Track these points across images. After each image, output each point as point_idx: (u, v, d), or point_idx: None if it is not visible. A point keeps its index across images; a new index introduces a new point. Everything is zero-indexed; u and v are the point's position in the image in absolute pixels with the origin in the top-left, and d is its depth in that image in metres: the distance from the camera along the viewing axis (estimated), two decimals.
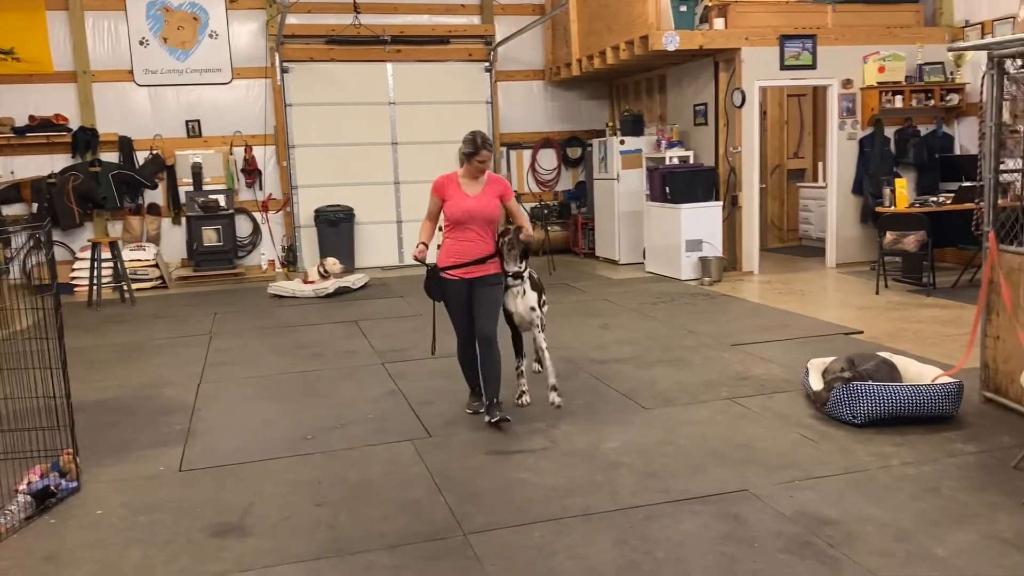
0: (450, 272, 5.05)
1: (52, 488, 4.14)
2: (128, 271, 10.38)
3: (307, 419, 5.38)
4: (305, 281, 10.40)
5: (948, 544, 3.43)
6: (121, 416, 5.58)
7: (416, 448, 4.76)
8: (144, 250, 11.28)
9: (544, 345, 5.32)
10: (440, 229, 5.28)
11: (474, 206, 4.99)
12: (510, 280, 5.23)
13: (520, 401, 5.40)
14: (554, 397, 5.27)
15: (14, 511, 3.89)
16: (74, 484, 4.30)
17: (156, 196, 11.82)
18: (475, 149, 4.95)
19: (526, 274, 5.26)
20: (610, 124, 12.39)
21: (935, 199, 9.40)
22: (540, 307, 5.40)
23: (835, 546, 3.44)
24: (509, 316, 5.34)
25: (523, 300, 5.27)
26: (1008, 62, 4.90)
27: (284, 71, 12.03)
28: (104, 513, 4.04)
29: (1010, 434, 4.60)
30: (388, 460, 4.60)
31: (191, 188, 11.75)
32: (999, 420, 4.86)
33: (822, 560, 3.33)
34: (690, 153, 10.89)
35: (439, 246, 5.29)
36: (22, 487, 4.07)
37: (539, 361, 5.62)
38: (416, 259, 4.95)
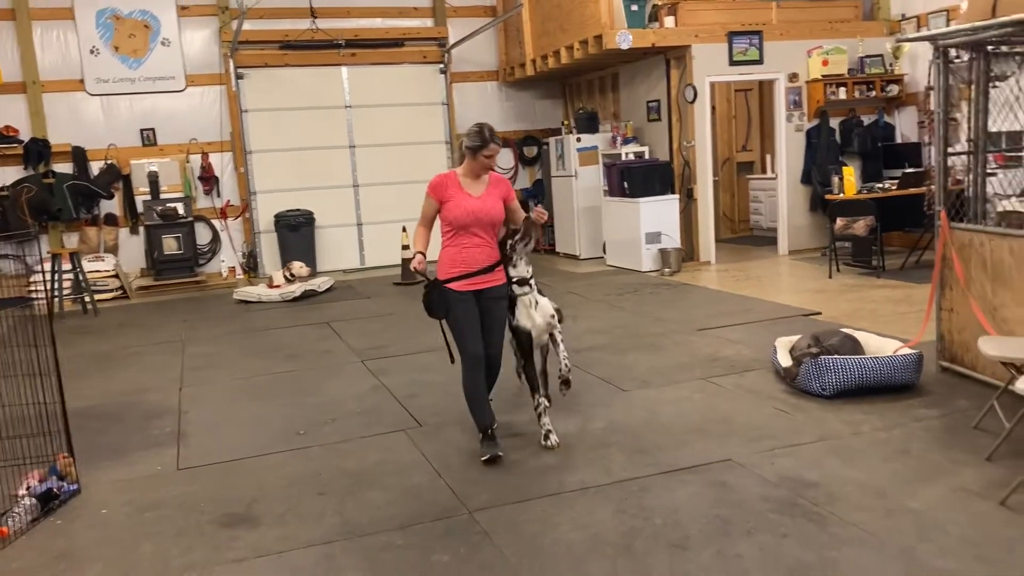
0: (455, 284, 4.43)
1: (55, 491, 4.18)
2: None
3: (296, 416, 5.47)
4: (271, 286, 10.41)
5: (921, 498, 3.70)
6: (108, 422, 5.60)
7: (410, 437, 4.90)
8: (103, 260, 11.15)
9: (560, 337, 4.67)
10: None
11: (479, 207, 4.42)
12: (516, 288, 4.53)
13: (548, 443, 4.55)
14: (564, 377, 4.63)
15: (20, 514, 3.93)
16: (75, 487, 4.34)
17: (112, 206, 11.69)
18: (483, 142, 4.38)
19: (533, 280, 4.62)
20: (565, 122, 12.63)
21: (881, 185, 9.82)
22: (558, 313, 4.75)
23: (819, 505, 3.68)
24: (525, 335, 4.56)
25: (539, 311, 4.57)
26: (951, 51, 5.23)
27: (239, 77, 12.01)
28: (109, 512, 4.10)
29: (967, 398, 4.93)
30: (384, 449, 4.73)
31: (148, 197, 11.65)
32: (956, 386, 5.18)
33: (810, 518, 3.57)
34: (645, 149, 11.19)
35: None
36: (22, 491, 4.10)
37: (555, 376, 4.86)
38: (415, 271, 4.33)
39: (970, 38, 4.94)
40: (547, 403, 4.65)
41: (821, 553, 3.27)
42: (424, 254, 4.41)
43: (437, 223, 4.57)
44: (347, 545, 3.59)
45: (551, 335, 4.69)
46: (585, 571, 3.25)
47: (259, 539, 3.70)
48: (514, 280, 4.54)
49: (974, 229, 5.17)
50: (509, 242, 4.51)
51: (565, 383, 4.67)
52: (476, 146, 4.40)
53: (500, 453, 4.43)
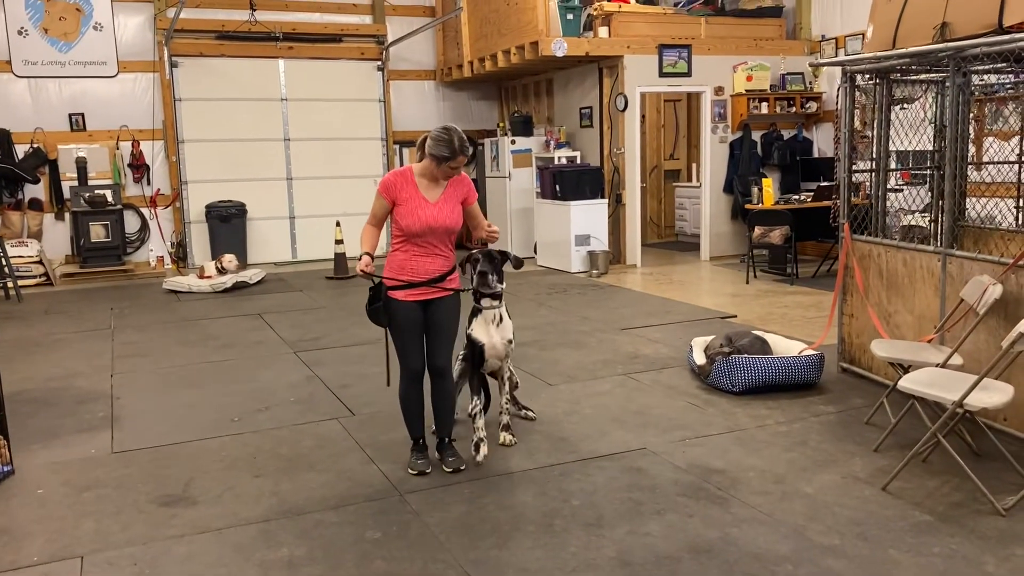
0: (400, 293, 4.15)
1: None
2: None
3: (230, 404, 5.60)
4: (201, 276, 10.40)
5: (815, 484, 4.07)
6: (38, 407, 5.63)
7: (342, 425, 5.09)
8: (27, 246, 10.96)
9: (508, 374, 4.54)
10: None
11: (434, 217, 4.09)
12: (484, 302, 4.29)
13: (477, 455, 4.38)
14: (506, 436, 4.59)
15: None
16: (8, 468, 4.41)
17: (38, 191, 11.49)
18: (451, 154, 4.00)
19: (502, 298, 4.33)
20: (501, 124, 12.91)
21: (797, 197, 10.37)
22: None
23: (723, 489, 4.03)
24: (479, 351, 4.35)
25: (499, 329, 4.33)
26: (859, 76, 5.67)
27: (173, 65, 11.92)
28: (46, 492, 4.18)
29: (862, 397, 5.36)
30: (317, 436, 4.91)
31: (76, 183, 11.48)
32: (853, 385, 5.63)
33: (714, 500, 3.91)
34: (577, 153, 11.55)
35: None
36: None
37: (511, 404, 4.83)
38: (361, 274, 4.03)
39: (874, 66, 5.38)
40: (481, 406, 4.50)
41: (723, 531, 3.60)
42: (371, 255, 4.11)
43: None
44: (284, 523, 3.78)
45: (500, 369, 4.49)
46: (508, 546, 3.51)
47: (198, 517, 3.85)
48: (487, 294, 4.32)
49: (873, 241, 5.61)
50: (469, 266, 4.31)
51: (506, 429, 4.60)
52: (442, 156, 4.02)
53: (428, 470, 4.28)
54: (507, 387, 4.66)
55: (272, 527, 3.73)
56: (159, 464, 4.54)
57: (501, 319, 4.37)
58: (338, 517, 3.82)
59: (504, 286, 4.39)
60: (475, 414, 4.46)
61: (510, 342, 4.44)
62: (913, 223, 6.96)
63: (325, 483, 4.22)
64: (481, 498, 3.99)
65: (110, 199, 11.37)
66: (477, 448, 4.40)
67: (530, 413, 5.06)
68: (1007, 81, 5.98)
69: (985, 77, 6.02)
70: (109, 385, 6.11)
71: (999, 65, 4.84)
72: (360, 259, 4.08)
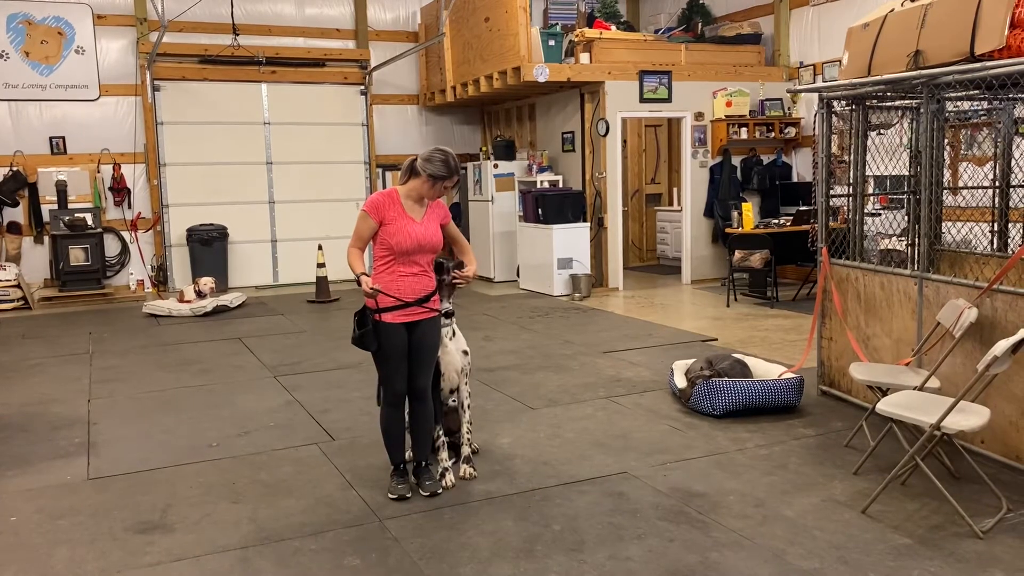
0: (387, 315, 4.14)
1: None
2: None
3: (208, 429, 5.55)
4: (181, 300, 10.33)
5: (795, 507, 4.08)
6: (12, 432, 5.55)
7: (322, 450, 5.05)
8: (4, 270, 10.85)
9: (468, 401, 4.61)
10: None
11: (423, 234, 4.17)
12: (442, 320, 4.40)
13: (443, 482, 4.39)
14: (467, 470, 4.54)
15: None
16: None
17: (17, 214, 11.40)
18: (448, 173, 4.13)
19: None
20: (484, 148, 12.97)
21: (777, 221, 10.46)
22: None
23: (704, 513, 4.02)
24: (435, 365, 4.42)
25: (454, 343, 4.48)
26: (835, 102, 5.75)
27: (156, 89, 11.91)
28: (19, 519, 4.12)
29: (842, 419, 5.39)
30: (296, 461, 4.87)
31: (55, 206, 11.41)
32: (833, 408, 5.65)
33: (694, 524, 3.90)
34: (559, 178, 11.61)
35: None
36: None
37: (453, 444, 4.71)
38: (373, 291, 4.03)
39: (850, 93, 5.46)
40: (446, 438, 4.56)
41: (703, 555, 3.60)
42: (368, 275, 4.09)
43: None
44: (262, 550, 3.73)
45: (459, 388, 4.57)
46: (488, 572, 3.48)
47: (174, 544, 3.81)
48: (443, 312, 4.38)
49: (851, 265, 5.67)
50: (446, 279, 4.37)
51: (467, 461, 4.54)
52: (440, 175, 4.11)
53: (408, 495, 4.26)
54: (467, 414, 4.62)
55: (250, 554, 3.69)
56: (136, 490, 4.48)
57: (454, 333, 4.52)
58: (317, 544, 3.78)
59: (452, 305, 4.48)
60: (438, 445, 4.54)
61: (465, 352, 4.56)
62: (890, 247, 7.03)
63: (304, 509, 4.18)
64: (461, 523, 3.96)
65: (90, 222, 11.29)
66: (443, 476, 4.44)
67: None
68: (980, 108, 6.09)
69: (959, 104, 6.12)
70: (86, 410, 6.04)
71: (972, 92, 4.94)
72: (360, 281, 4.04)
